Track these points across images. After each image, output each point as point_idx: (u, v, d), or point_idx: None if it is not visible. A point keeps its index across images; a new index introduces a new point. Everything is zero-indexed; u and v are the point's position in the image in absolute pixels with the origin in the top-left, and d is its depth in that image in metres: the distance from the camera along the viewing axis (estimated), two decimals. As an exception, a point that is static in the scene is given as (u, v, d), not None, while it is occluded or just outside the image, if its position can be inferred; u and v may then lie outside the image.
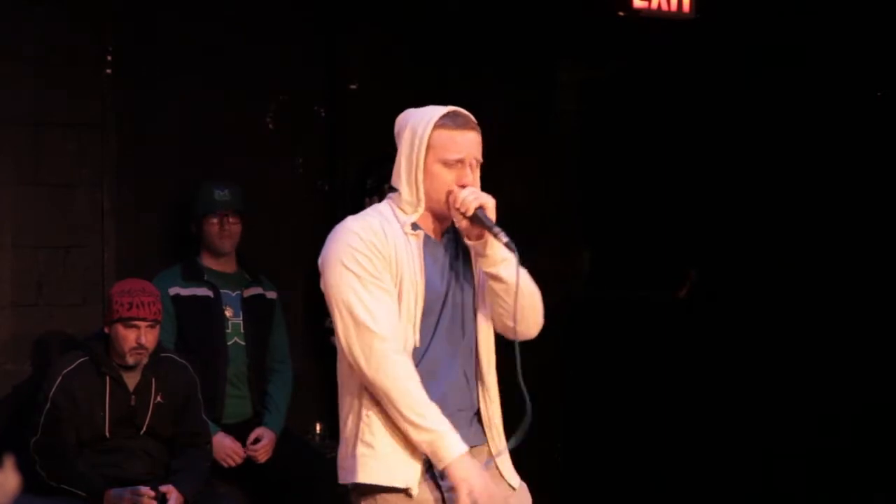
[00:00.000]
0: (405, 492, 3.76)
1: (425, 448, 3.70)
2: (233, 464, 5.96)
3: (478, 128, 3.83)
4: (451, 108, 3.82)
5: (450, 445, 3.67)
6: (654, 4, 7.15)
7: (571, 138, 7.87)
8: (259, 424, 6.10)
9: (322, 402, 6.78)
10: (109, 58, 6.10)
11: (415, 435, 3.70)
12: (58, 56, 5.95)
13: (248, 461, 6.03)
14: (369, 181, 6.64)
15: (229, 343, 6.09)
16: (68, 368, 5.44)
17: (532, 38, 7.33)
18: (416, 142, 3.77)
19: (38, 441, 5.39)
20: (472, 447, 3.77)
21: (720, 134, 7.65)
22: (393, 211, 3.83)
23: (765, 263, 7.56)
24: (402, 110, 6.86)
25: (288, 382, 6.25)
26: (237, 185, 6.18)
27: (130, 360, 5.45)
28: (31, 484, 4.73)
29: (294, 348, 6.38)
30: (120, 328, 5.42)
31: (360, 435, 3.84)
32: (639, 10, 7.12)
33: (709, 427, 7.46)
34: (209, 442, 5.73)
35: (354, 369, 3.79)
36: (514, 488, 3.90)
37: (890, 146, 7.29)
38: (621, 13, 7.17)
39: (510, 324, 3.80)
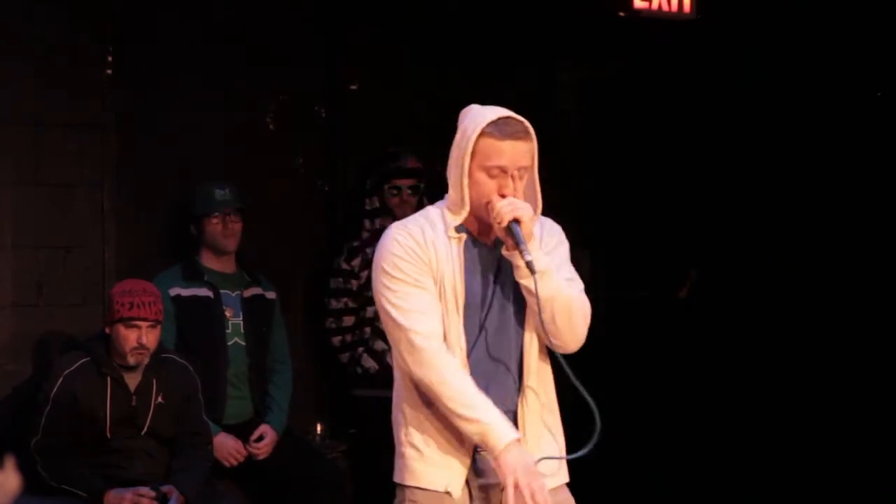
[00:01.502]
0: (446, 494, 3.78)
1: (476, 439, 3.72)
2: (234, 463, 5.96)
3: (529, 136, 3.77)
4: (503, 113, 3.78)
5: (499, 435, 3.68)
6: (655, 5, 7.15)
7: (571, 138, 7.87)
8: (260, 424, 6.10)
9: (322, 402, 6.79)
10: (109, 58, 6.10)
11: (464, 426, 3.72)
12: (58, 56, 5.94)
13: (249, 460, 6.02)
14: (369, 181, 6.63)
15: (229, 343, 6.09)
16: (69, 369, 5.44)
17: (532, 38, 7.32)
18: (463, 146, 3.76)
19: (39, 441, 5.39)
20: None
21: (720, 134, 7.65)
22: (442, 213, 3.84)
23: (765, 263, 7.56)
24: (402, 110, 6.93)
25: (288, 382, 6.25)
26: (235, 184, 6.17)
27: (132, 361, 5.44)
28: (31, 484, 4.72)
29: (294, 348, 6.38)
30: (121, 328, 5.41)
31: (408, 437, 3.85)
32: (639, 11, 7.12)
33: (709, 427, 7.46)
34: (210, 442, 5.73)
35: (403, 370, 3.81)
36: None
37: (890, 146, 7.29)
38: (622, 13, 7.17)
39: (545, 334, 3.82)
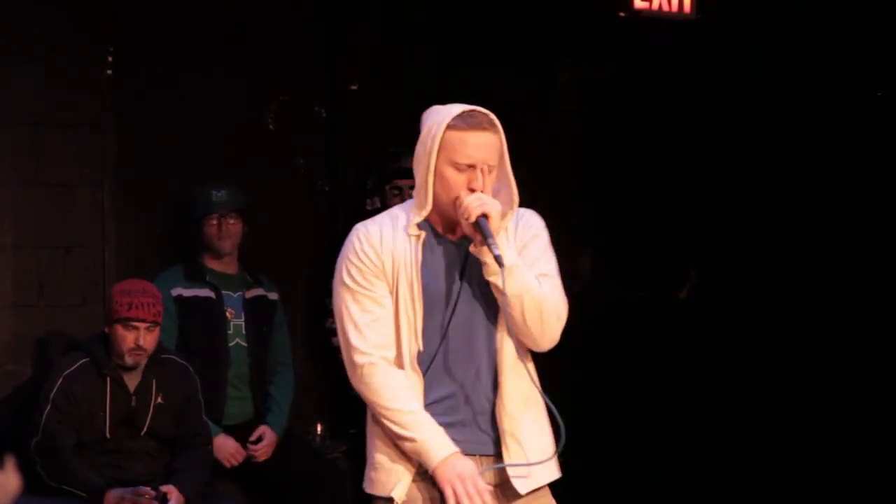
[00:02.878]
0: (389, 499, 3.77)
1: (414, 456, 3.73)
2: (234, 464, 5.96)
3: (495, 128, 3.74)
4: (468, 107, 3.75)
5: (432, 450, 3.69)
6: (655, 5, 7.15)
7: (571, 138, 7.87)
8: (260, 425, 6.10)
9: (323, 402, 6.79)
10: (109, 58, 6.10)
11: (401, 445, 3.74)
12: (58, 56, 5.94)
13: (249, 461, 6.02)
14: (370, 181, 6.63)
15: (231, 344, 6.09)
16: (69, 370, 5.43)
17: (532, 38, 7.32)
18: (429, 142, 3.72)
19: (39, 442, 5.39)
20: (482, 455, 3.78)
21: (720, 134, 7.65)
22: (406, 211, 3.80)
23: (765, 263, 7.56)
24: (402, 110, 6.92)
25: (290, 383, 6.25)
26: (234, 185, 6.17)
27: (129, 361, 5.44)
28: (31, 484, 4.72)
29: (295, 349, 6.38)
30: (119, 328, 5.41)
31: (369, 447, 3.87)
32: (639, 11, 7.12)
33: (709, 427, 7.46)
34: (210, 443, 5.73)
35: None
36: (521, 495, 3.83)
37: (890, 146, 7.29)
38: (622, 13, 7.17)
39: (515, 332, 3.77)
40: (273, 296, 6.27)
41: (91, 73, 6.05)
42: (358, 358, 3.74)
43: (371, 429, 3.84)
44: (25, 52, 5.86)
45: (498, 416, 3.80)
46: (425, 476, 3.76)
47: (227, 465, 5.94)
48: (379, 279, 3.73)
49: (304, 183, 6.81)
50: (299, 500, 6.05)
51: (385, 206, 6.51)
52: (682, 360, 7.59)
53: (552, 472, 3.90)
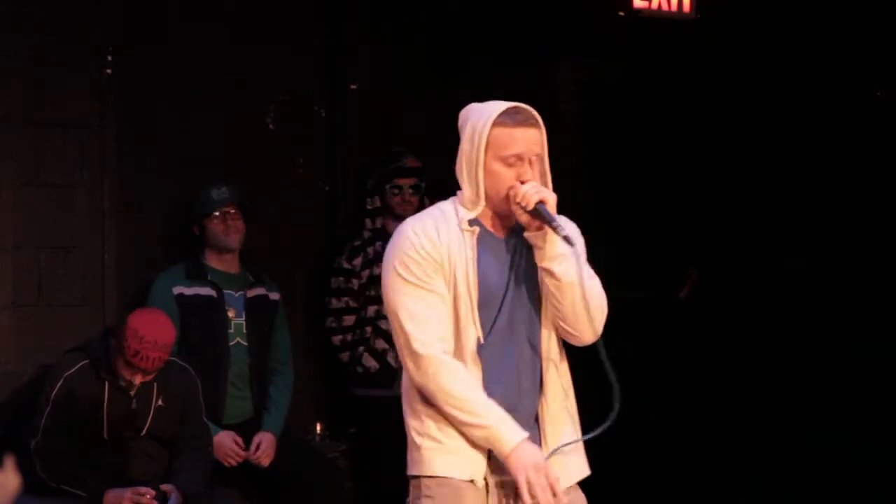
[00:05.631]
0: (470, 482, 3.77)
1: (483, 444, 3.74)
2: (234, 463, 5.96)
3: (539, 124, 3.81)
4: (512, 104, 3.80)
5: (505, 437, 3.71)
6: (655, 4, 7.16)
7: (571, 138, 7.86)
8: (260, 424, 6.09)
9: (322, 402, 6.78)
10: (109, 58, 6.10)
11: (470, 432, 3.74)
12: (58, 56, 5.94)
13: (248, 461, 6.02)
14: (370, 181, 6.63)
15: (231, 344, 6.08)
16: (70, 371, 5.43)
17: (532, 38, 7.33)
18: (476, 139, 3.77)
19: (39, 442, 5.38)
20: None
21: (720, 134, 7.65)
22: (455, 208, 3.83)
23: (765, 263, 7.56)
24: (402, 110, 6.93)
25: (289, 383, 6.24)
26: (233, 181, 6.17)
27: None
28: (31, 485, 4.72)
29: (295, 349, 6.37)
30: (121, 359, 5.38)
31: (425, 428, 3.82)
32: (639, 11, 7.13)
33: (709, 427, 7.46)
34: (210, 444, 5.72)
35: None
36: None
37: (890, 146, 7.30)
38: (621, 13, 7.17)
39: (562, 324, 3.83)
40: (274, 295, 6.26)
41: (91, 73, 6.05)
42: (422, 349, 3.73)
43: (433, 409, 3.78)
44: (25, 51, 5.86)
45: (541, 409, 3.86)
46: (489, 469, 3.78)
47: (227, 463, 5.93)
48: (437, 273, 3.76)
49: (304, 183, 6.82)
50: (299, 500, 6.04)
51: (385, 206, 6.52)
52: (682, 360, 7.59)
53: (584, 469, 3.98)
